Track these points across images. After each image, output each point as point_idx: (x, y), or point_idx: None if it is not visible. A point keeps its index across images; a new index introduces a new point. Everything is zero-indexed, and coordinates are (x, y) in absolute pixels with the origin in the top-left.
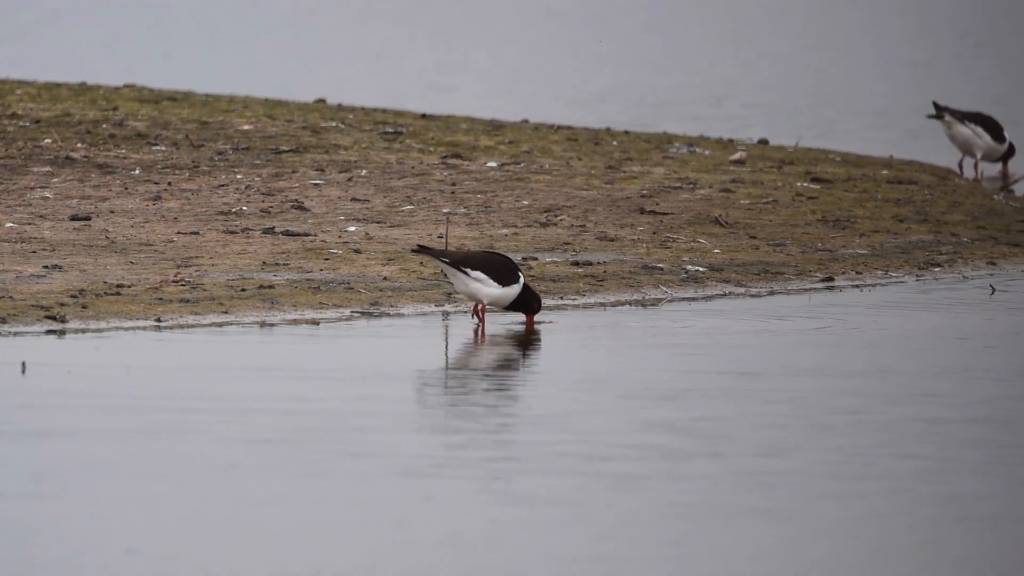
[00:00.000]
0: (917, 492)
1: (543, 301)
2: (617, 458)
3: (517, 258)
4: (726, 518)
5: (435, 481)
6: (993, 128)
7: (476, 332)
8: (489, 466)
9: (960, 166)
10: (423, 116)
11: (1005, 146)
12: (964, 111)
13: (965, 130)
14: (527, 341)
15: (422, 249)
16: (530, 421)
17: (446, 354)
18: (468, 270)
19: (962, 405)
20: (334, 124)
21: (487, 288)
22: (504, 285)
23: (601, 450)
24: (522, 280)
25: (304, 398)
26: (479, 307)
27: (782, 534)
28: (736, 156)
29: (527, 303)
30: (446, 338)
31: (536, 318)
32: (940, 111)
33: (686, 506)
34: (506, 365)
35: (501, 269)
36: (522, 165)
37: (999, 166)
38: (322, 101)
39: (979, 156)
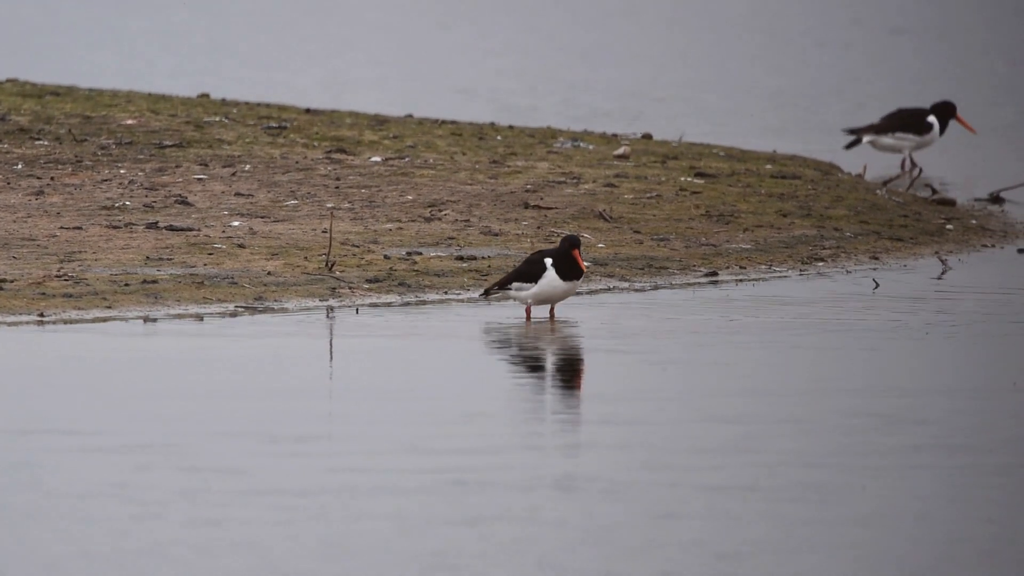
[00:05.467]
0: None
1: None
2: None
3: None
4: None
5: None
6: (915, 124)
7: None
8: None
9: (903, 164)
10: (307, 111)
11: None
12: (879, 124)
13: (888, 140)
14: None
15: (487, 292)
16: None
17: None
18: (509, 287)
19: None
20: (218, 119)
21: (525, 292)
22: (535, 281)
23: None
24: (549, 264)
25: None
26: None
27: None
28: (620, 151)
29: (574, 271)
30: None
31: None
32: (855, 135)
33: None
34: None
35: (528, 268)
36: (406, 160)
37: (903, 156)
38: (206, 96)
39: (908, 153)
